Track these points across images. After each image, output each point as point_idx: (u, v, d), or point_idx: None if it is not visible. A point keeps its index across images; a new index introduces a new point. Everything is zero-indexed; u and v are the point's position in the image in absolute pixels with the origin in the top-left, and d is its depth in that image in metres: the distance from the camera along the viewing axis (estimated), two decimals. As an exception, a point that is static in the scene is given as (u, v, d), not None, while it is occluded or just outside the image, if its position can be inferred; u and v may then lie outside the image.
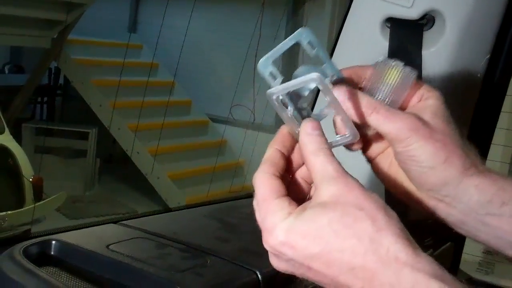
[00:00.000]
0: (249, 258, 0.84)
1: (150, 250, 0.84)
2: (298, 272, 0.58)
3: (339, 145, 0.65)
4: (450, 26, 1.13)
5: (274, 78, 0.63)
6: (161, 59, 7.17)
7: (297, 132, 0.62)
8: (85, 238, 0.87)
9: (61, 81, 8.02)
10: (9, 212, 4.27)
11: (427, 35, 1.16)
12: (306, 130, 0.60)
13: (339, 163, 0.59)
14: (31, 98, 7.36)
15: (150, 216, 1.06)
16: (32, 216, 4.22)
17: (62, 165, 6.48)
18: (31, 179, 4.83)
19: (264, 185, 0.59)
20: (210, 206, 1.16)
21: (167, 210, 1.13)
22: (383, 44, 1.16)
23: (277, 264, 0.59)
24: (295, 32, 0.62)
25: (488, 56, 1.20)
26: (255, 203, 0.60)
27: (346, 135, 0.64)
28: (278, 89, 0.61)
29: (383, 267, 0.53)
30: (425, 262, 0.54)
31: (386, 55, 1.15)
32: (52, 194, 4.99)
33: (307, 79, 0.59)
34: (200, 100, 7.28)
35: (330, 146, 0.61)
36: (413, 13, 1.14)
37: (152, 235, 0.89)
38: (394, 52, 1.15)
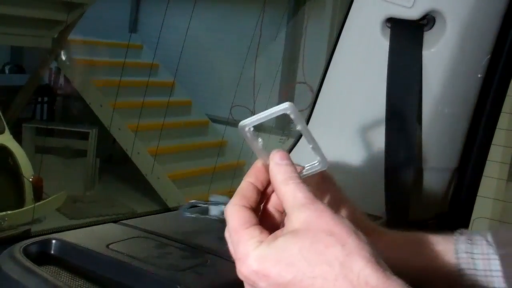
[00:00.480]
0: (249, 257, 0.84)
1: (150, 249, 0.84)
2: None
3: (309, 174, 0.66)
4: (451, 26, 1.13)
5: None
6: (161, 59, 7.17)
7: (268, 163, 0.62)
8: (85, 237, 0.87)
9: (61, 81, 8.01)
10: (9, 212, 4.27)
11: (428, 36, 1.16)
12: (275, 160, 0.61)
13: (308, 190, 0.59)
14: (32, 98, 7.36)
15: (150, 216, 1.06)
16: (33, 216, 4.22)
17: (62, 165, 6.48)
18: (31, 179, 4.84)
19: (235, 216, 0.60)
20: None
21: (168, 209, 1.13)
22: (383, 44, 1.16)
23: (259, 285, 0.59)
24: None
25: (488, 57, 1.20)
26: (227, 235, 0.60)
27: (315, 163, 0.65)
28: (251, 121, 0.62)
29: None
30: (395, 285, 0.54)
31: (387, 54, 1.15)
32: (52, 194, 4.99)
33: (279, 109, 0.60)
34: (200, 100, 7.29)
35: (299, 174, 0.61)
36: (413, 14, 1.14)
37: (152, 234, 0.89)
38: (395, 52, 1.15)
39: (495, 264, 0.81)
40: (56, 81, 8.02)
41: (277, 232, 0.58)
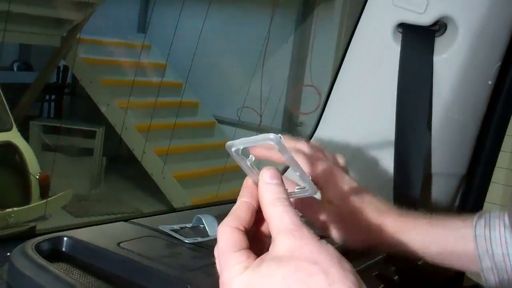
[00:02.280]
0: (259, 258, 0.84)
1: (160, 249, 0.85)
2: None
3: (298, 196, 0.65)
4: (462, 32, 1.13)
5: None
6: (169, 60, 7.19)
7: (257, 181, 0.62)
8: (96, 236, 0.88)
9: (69, 79, 8.04)
10: (15, 208, 4.28)
11: (439, 41, 1.16)
12: (265, 179, 0.60)
13: (296, 214, 0.58)
14: (39, 96, 7.38)
15: (160, 215, 1.07)
16: (44, 211, 4.23)
17: (69, 163, 6.49)
18: (37, 176, 4.85)
19: (225, 238, 0.59)
20: (220, 206, 1.17)
21: (179, 209, 1.14)
22: (395, 49, 1.16)
23: None
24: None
25: (499, 63, 1.20)
26: (216, 254, 0.61)
27: (305, 189, 0.65)
28: (237, 143, 0.61)
29: None
30: None
31: (398, 60, 1.16)
32: (58, 192, 5.00)
33: (264, 138, 0.59)
34: (207, 101, 7.30)
35: (288, 196, 0.60)
36: (425, 19, 1.14)
37: (162, 234, 0.90)
38: (406, 58, 1.16)
39: None
40: (63, 79, 8.04)
41: (263, 257, 0.58)
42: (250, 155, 0.62)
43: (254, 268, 0.57)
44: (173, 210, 1.17)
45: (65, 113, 8.20)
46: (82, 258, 0.83)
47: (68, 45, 6.49)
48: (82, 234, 0.87)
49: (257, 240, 0.63)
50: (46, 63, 6.82)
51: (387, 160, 1.18)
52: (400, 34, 1.17)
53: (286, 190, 0.61)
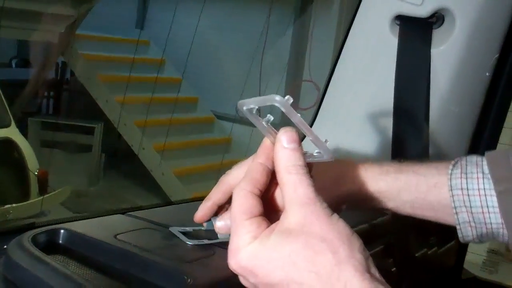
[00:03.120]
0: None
1: (157, 241, 0.84)
2: None
3: (315, 161, 0.63)
4: (460, 25, 1.13)
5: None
6: (167, 56, 7.18)
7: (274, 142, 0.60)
8: (93, 228, 0.87)
9: (68, 75, 8.03)
10: (14, 205, 4.28)
11: (437, 34, 1.16)
12: (281, 143, 0.59)
13: (311, 184, 0.58)
14: (38, 92, 7.38)
15: (157, 208, 1.07)
16: (41, 208, 4.23)
17: (67, 159, 6.49)
18: (36, 173, 4.84)
19: (239, 203, 0.59)
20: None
21: (178, 202, 1.14)
22: (392, 41, 1.16)
23: (244, 283, 0.60)
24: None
25: (497, 56, 1.20)
26: (230, 216, 0.60)
27: (321, 154, 0.62)
28: (247, 102, 0.60)
29: None
30: None
31: (395, 52, 1.16)
32: (57, 188, 5.00)
33: (270, 99, 0.57)
34: (206, 97, 7.29)
35: (305, 162, 0.59)
36: (423, 11, 1.14)
37: (159, 225, 0.90)
38: (403, 50, 1.16)
39: (492, 200, 0.79)
40: (62, 75, 8.04)
41: (273, 226, 0.58)
42: (268, 115, 0.60)
43: (262, 240, 0.57)
44: (170, 203, 1.17)
45: (64, 110, 8.19)
46: (79, 250, 0.83)
47: (66, 41, 6.48)
48: (79, 227, 0.87)
49: (272, 202, 0.63)
50: (43, 60, 6.81)
51: (385, 153, 1.18)
52: (398, 27, 1.17)
53: (303, 154, 0.59)
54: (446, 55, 1.15)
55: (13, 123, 5.08)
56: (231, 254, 0.58)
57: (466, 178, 0.81)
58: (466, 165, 0.83)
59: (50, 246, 0.83)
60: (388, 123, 1.17)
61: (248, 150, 6.25)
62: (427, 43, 1.15)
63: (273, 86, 6.23)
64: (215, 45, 7.42)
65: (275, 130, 0.60)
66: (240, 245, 0.57)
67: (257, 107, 0.59)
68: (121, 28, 7.39)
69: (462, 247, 1.41)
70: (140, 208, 1.00)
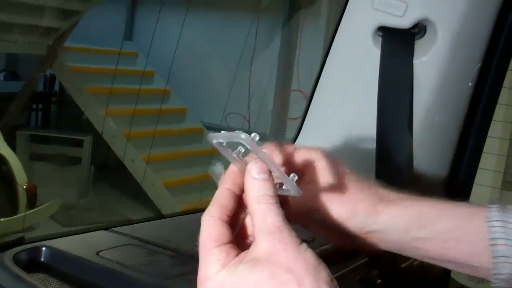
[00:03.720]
0: (239, 265, 0.84)
1: (140, 257, 0.84)
2: None
3: (285, 194, 0.63)
4: (442, 35, 1.14)
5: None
6: (156, 67, 7.18)
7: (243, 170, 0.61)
8: (75, 245, 0.87)
9: (56, 88, 8.01)
10: (2, 219, 4.25)
11: (419, 44, 1.16)
12: (251, 173, 0.59)
13: (280, 214, 0.58)
14: (26, 105, 7.35)
15: (141, 223, 1.06)
16: (23, 223, 4.20)
17: (57, 172, 6.46)
18: (25, 186, 4.81)
19: (207, 231, 0.59)
20: (202, 213, 1.16)
21: (159, 217, 1.13)
22: (375, 52, 1.17)
23: None
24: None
25: (479, 65, 1.20)
26: (199, 243, 0.61)
27: (289, 189, 0.63)
28: (217, 136, 0.60)
29: None
30: None
31: (378, 63, 1.16)
32: (46, 202, 4.97)
33: (237, 136, 0.58)
34: (196, 108, 7.29)
35: (275, 192, 0.59)
36: (405, 22, 1.14)
37: (142, 242, 0.89)
38: (386, 61, 1.16)
39: None
40: (51, 88, 8.01)
41: (242, 255, 0.58)
42: (239, 147, 0.60)
43: (230, 269, 0.57)
44: (153, 218, 1.16)
45: (53, 122, 8.16)
46: (60, 268, 0.82)
47: (55, 54, 6.46)
48: (61, 244, 0.86)
49: (242, 229, 0.63)
50: (32, 72, 6.79)
51: (368, 163, 1.18)
52: (380, 38, 1.17)
53: (274, 185, 0.59)
54: (429, 66, 1.16)
55: (1, 136, 5.06)
56: (199, 282, 0.58)
57: (506, 212, 0.74)
58: (503, 204, 0.76)
59: (31, 264, 0.83)
60: (372, 133, 1.18)
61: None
62: (409, 53, 1.15)
63: (263, 97, 6.24)
64: (204, 55, 7.43)
65: (246, 161, 0.61)
66: (208, 273, 0.57)
67: (221, 140, 0.60)
68: (109, 39, 7.39)
69: (445, 276, 1.40)
70: (123, 224, 0.99)
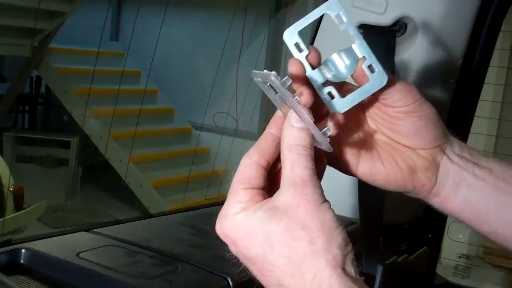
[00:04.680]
0: (221, 264, 0.84)
1: (120, 258, 0.83)
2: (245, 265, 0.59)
3: (318, 147, 0.59)
4: (422, 32, 1.14)
5: (300, 50, 0.60)
6: (143, 67, 7.16)
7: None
8: (55, 246, 0.86)
9: (43, 89, 7.97)
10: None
11: (400, 41, 1.16)
12: (290, 121, 0.58)
13: (308, 167, 0.56)
14: (12, 107, 7.31)
15: (123, 224, 1.06)
16: (2, 228, 4.17)
17: (44, 174, 6.43)
18: (11, 189, 4.78)
19: (241, 171, 0.59)
20: (185, 213, 1.16)
21: (141, 217, 1.12)
22: (356, 50, 1.16)
23: (230, 248, 0.60)
24: (323, 4, 0.58)
25: (460, 62, 1.21)
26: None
27: (321, 144, 0.59)
28: (256, 73, 0.59)
29: None
30: None
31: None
32: (34, 204, 4.94)
33: (267, 75, 0.56)
34: (183, 107, 7.28)
35: (311, 144, 0.57)
36: (385, 20, 1.14)
37: (123, 242, 0.89)
38: (367, 58, 1.16)
39: None
40: (37, 89, 7.97)
41: (264, 202, 0.57)
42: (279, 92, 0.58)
43: (248, 213, 0.57)
44: (136, 218, 1.16)
45: (39, 124, 8.12)
46: (40, 270, 0.82)
47: (40, 55, 6.43)
48: (41, 246, 0.86)
49: (278, 179, 0.60)
50: (18, 74, 6.75)
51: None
52: (361, 35, 1.17)
53: (311, 137, 0.58)
54: (410, 62, 1.16)
55: (-13, 139, 5.03)
56: (218, 218, 0.58)
57: None
58: None
59: (11, 266, 0.82)
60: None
61: (227, 159, 6.25)
62: (390, 51, 1.15)
63: (250, 96, 6.24)
64: (191, 54, 7.42)
65: (288, 106, 0.58)
66: (228, 212, 0.57)
67: (259, 79, 0.58)
68: (95, 40, 7.35)
69: (434, 253, 1.41)
70: (105, 225, 0.99)
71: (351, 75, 0.62)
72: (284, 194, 0.56)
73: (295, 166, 0.57)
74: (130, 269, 0.79)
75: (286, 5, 6.70)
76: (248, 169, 0.59)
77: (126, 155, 6.10)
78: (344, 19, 0.59)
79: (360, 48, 0.62)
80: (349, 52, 0.62)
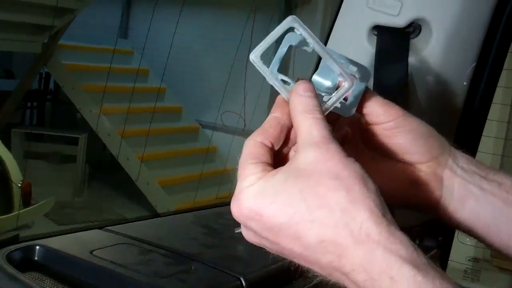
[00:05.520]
0: (233, 264, 0.84)
1: (134, 256, 0.84)
2: (268, 246, 0.55)
3: (335, 103, 0.60)
4: (437, 34, 1.14)
5: (267, 70, 0.60)
6: (152, 65, 7.17)
7: (288, 98, 0.59)
8: (69, 244, 0.87)
9: (51, 86, 7.99)
10: (-5, 217, 4.24)
11: (414, 43, 1.16)
12: (298, 91, 0.58)
13: (327, 127, 0.55)
14: (21, 103, 7.33)
15: (135, 222, 1.06)
16: (17, 222, 4.19)
17: (52, 170, 6.45)
18: (19, 185, 4.80)
19: (246, 150, 0.57)
20: (197, 212, 1.16)
21: (154, 216, 1.13)
22: (370, 51, 1.16)
23: (247, 236, 0.57)
24: (283, 21, 0.59)
25: (474, 64, 1.20)
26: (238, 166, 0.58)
27: (339, 90, 0.60)
28: (258, 49, 0.59)
29: (354, 244, 0.50)
30: (399, 243, 0.50)
31: (373, 62, 1.16)
32: (41, 200, 4.96)
33: (283, 25, 0.57)
34: (191, 106, 7.29)
35: (323, 109, 0.57)
36: (400, 21, 1.14)
37: (136, 241, 0.89)
38: (381, 60, 1.16)
39: None
40: (45, 86, 7.99)
41: (279, 169, 0.55)
42: (280, 74, 0.60)
43: (267, 178, 0.54)
44: (148, 216, 1.16)
45: (48, 120, 8.14)
46: (54, 267, 0.82)
47: (50, 52, 6.45)
48: (55, 243, 0.86)
49: (279, 164, 0.58)
50: (27, 70, 6.77)
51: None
52: (375, 37, 1.17)
53: (320, 104, 0.58)
54: (424, 65, 1.15)
55: (-5, 134, 5.05)
56: (233, 198, 0.55)
57: None
58: None
59: (25, 263, 0.82)
60: (368, 133, 1.17)
61: (232, 158, 6.25)
62: (404, 52, 1.15)
63: (259, 95, 6.24)
64: (200, 53, 7.43)
65: (287, 87, 0.60)
66: (243, 186, 0.54)
67: (262, 50, 0.59)
68: (105, 37, 7.37)
69: (444, 256, 1.40)
70: (117, 223, 0.99)
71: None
72: (305, 155, 0.54)
73: (312, 128, 0.55)
74: (144, 267, 0.79)
75: (296, 7, 6.70)
76: (254, 147, 0.57)
77: (134, 153, 6.12)
78: (300, 31, 0.59)
79: (330, 60, 0.61)
80: (326, 67, 0.62)
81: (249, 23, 6.37)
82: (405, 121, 0.67)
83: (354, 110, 0.62)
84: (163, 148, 6.47)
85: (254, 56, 0.59)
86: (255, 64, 0.59)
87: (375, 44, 1.16)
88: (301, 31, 0.58)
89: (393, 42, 1.16)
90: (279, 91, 0.60)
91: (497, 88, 1.32)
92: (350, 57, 1.22)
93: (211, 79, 7.25)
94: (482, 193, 0.67)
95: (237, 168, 0.59)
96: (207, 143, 6.82)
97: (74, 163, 6.59)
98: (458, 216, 0.68)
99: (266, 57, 0.62)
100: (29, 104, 8.02)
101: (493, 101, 1.32)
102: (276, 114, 0.60)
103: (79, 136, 6.59)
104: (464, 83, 1.21)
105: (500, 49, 1.24)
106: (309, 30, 0.58)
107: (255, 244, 0.57)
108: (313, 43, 0.59)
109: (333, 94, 0.60)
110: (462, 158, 0.71)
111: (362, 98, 0.64)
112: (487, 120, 1.32)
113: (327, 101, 0.60)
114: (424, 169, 0.68)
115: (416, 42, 1.16)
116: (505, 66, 1.30)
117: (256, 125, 0.61)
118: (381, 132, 0.66)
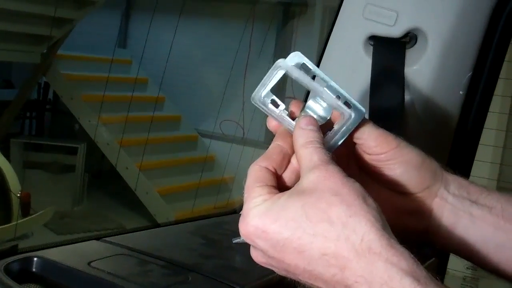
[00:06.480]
0: (231, 274, 0.84)
1: (131, 267, 0.84)
2: (275, 266, 0.57)
3: (338, 140, 0.63)
4: (432, 44, 1.14)
5: (276, 105, 0.65)
6: (150, 74, 7.18)
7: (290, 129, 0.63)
8: (67, 255, 0.87)
9: (50, 96, 8.00)
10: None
11: (410, 53, 1.17)
12: (300, 124, 0.61)
13: (326, 153, 0.58)
14: (20, 113, 7.34)
15: (133, 233, 1.06)
16: (15, 232, 4.18)
17: (51, 180, 6.44)
18: (18, 195, 4.80)
19: (251, 175, 0.59)
20: (195, 222, 1.16)
21: (152, 226, 1.13)
22: (366, 61, 1.17)
23: (256, 257, 0.59)
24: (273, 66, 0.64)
25: (470, 74, 1.21)
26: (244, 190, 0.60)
27: (341, 122, 0.64)
28: (257, 90, 0.64)
29: (356, 256, 0.52)
30: (400, 256, 0.52)
31: (369, 72, 1.16)
32: (40, 210, 4.96)
33: (274, 67, 0.62)
34: (190, 115, 7.29)
35: (324, 142, 0.60)
36: (395, 32, 1.15)
37: (134, 251, 0.89)
38: (377, 70, 1.16)
39: None
40: (44, 96, 8.00)
41: (285, 192, 0.57)
42: (280, 104, 0.64)
43: (273, 199, 0.56)
44: (146, 227, 1.16)
45: (47, 130, 8.14)
46: (52, 279, 0.82)
47: (48, 62, 6.46)
48: (53, 254, 0.86)
49: (282, 189, 0.61)
50: (26, 80, 6.78)
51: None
52: (371, 47, 1.18)
53: (322, 136, 0.61)
54: (420, 74, 1.16)
55: (-6, 144, 5.05)
56: (241, 218, 0.57)
57: None
58: None
59: (23, 274, 0.82)
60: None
61: (233, 167, 6.25)
62: (400, 62, 1.16)
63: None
64: (198, 63, 7.44)
65: (290, 119, 0.64)
66: (250, 206, 0.57)
67: (262, 93, 0.64)
68: (103, 47, 7.38)
69: (443, 264, 1.41)
70: (116, 234, 0.99)
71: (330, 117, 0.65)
72: (306, 178, 0.57)
73: (313, 155, 0.58)
74: (141, 278, 0.79)
75: (294, 16, 6.72)
76: (260, 172, 0.60)
77: (133, 162, 6.11)
78: (310, 67, 0.65)
79: (331, 89, 0.66)
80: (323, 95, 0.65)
81: (247, 32, 6.40)
82: (398, 153, 0.68)
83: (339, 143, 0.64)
84: (161, 157, 6.47)
85: (257, 99, 0.64)
86: (257, 106, 0.64)
87: (371, 54, 1.17)
88: (294, 77, 0.64)
89: (390, 52, 1.17)
90: (282, 124, 0.64)
91: (493, 97, 1.33)
92: (347, 67, 1.22)
93: (209, 88, 7.26)
94: (472, 219, 0.68)
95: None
96: (205, 152, 6.82)
97: (73, 172, 6.59)
98: (447, 241, 0.70)
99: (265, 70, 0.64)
100: (28, 114, 8.02)
101: (490, 110, 1.33)
102: (278, 142, 0.63)
103: (78, 146, 6.59)
104: (460, 92, 1.21)
105: (496, 58, 1.25)
106: (302, 74, 0.64)
107: (262, 265, 0.59)
108: (308, 85, 0.65)
109: (335, 126, 0.64)
110: (454, 183, 0.71)
111: (356, 127, 0.66)
112: (484, 129, 1.33)
113: (330, 141, 0.63)
114: (415, 198, 0.69)
115: (412, 52, 1.16)
116: (501, 75, 1.31)
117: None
118: (373, 162, 0.68)
